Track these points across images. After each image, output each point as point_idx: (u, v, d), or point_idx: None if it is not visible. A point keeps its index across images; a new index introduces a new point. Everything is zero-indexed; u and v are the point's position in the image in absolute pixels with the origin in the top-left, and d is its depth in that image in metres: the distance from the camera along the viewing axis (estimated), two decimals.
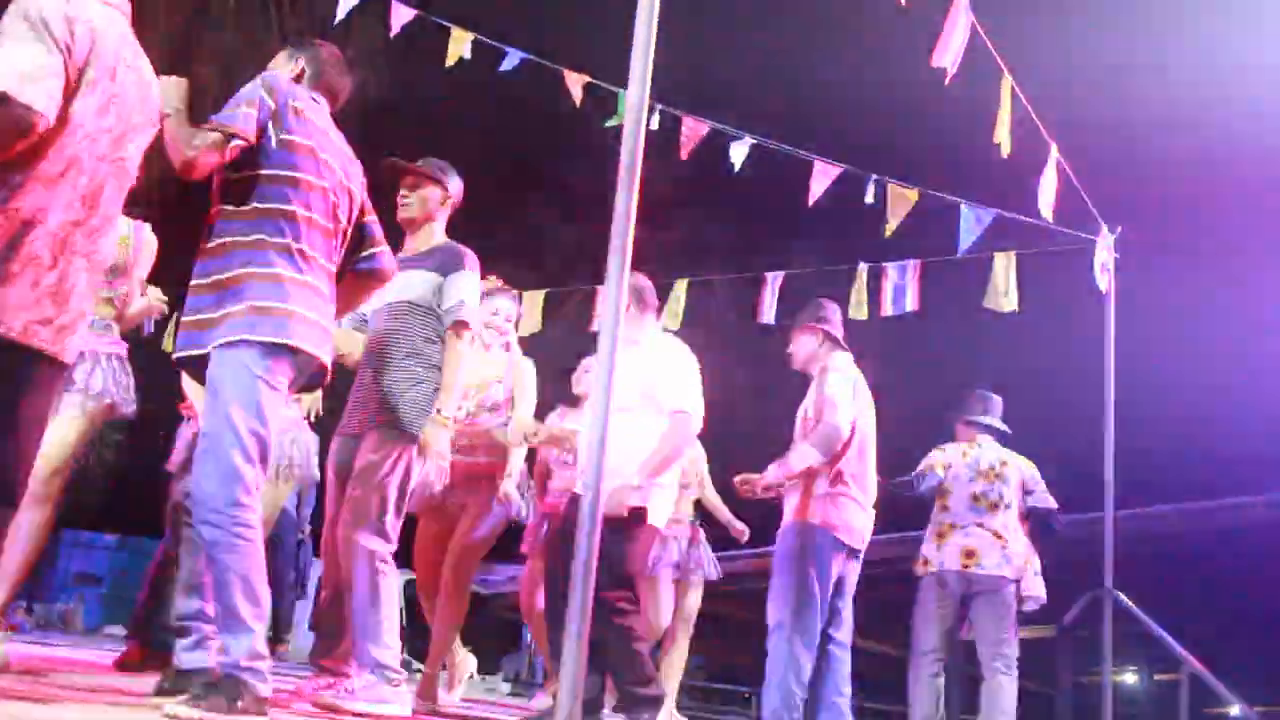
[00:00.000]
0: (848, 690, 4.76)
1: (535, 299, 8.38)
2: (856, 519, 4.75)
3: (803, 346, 5.04)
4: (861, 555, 4.86)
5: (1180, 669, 6.00)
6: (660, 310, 6.21)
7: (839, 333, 5.02)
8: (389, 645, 3.69)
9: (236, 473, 2.86)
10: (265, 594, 2.89)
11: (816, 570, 4.61)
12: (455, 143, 4.29)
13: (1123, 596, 5.95)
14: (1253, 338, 17.10)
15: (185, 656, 3.33)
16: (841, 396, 4.70)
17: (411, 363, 3.91)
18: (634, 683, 4.11)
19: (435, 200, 4.17)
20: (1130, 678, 18.77)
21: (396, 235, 4.19)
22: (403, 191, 4.18)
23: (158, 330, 6.81)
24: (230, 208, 3.02)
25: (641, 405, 4.25)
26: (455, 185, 4.25)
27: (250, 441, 2.89)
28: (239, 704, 2.71)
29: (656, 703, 4.12)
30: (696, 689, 17.35)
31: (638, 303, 4.52)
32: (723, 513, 6.36)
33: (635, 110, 2.75)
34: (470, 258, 4.06)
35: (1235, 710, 6.46)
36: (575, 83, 6.83)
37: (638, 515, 4.18)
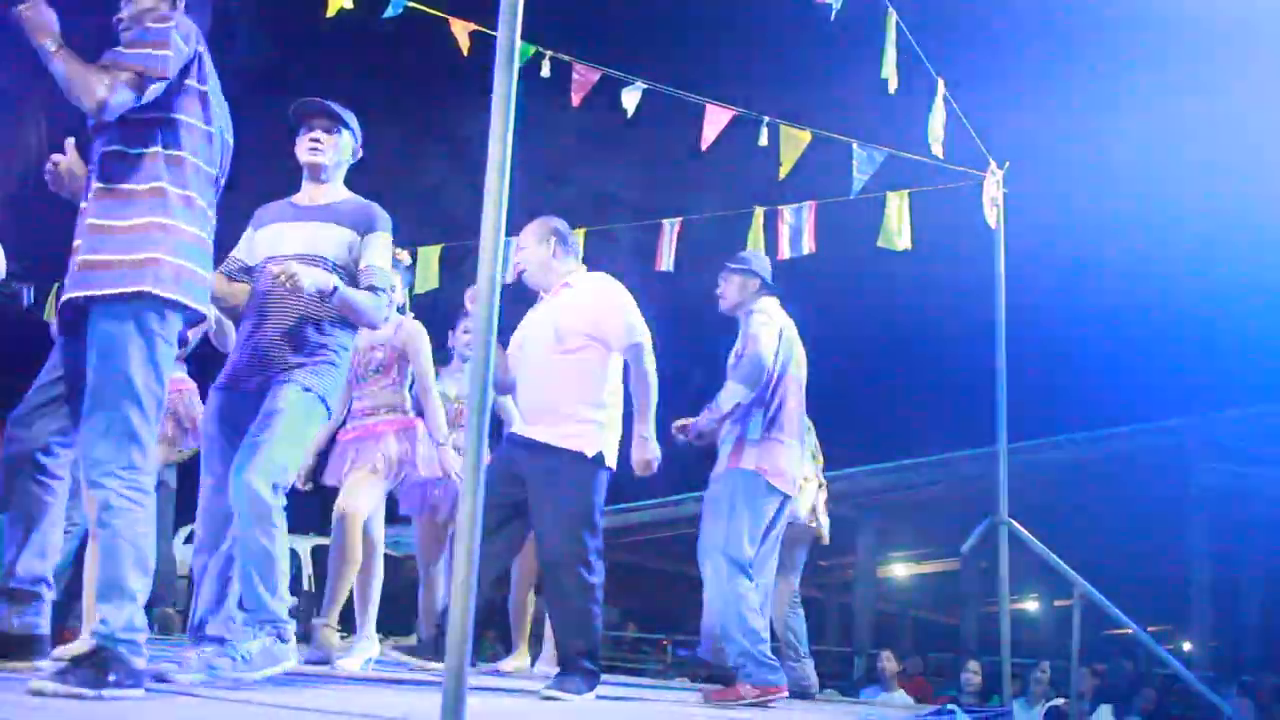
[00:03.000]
0: (767, 634, 4.77)
1: (430, 255, 8.22)
2: (790, 464, 4.78)
3: (732, 288, 5.04)
4: (791, 500, 4.89)
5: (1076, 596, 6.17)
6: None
7: (767, 274, 5.04)
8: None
9: (134, 434, 2.75)
10: (153, 563, 2.80)
11: (751, 514, 4.63)
12: (343, 95, 4.09)
13: (1016, 525, 6.08)
14: (1140, 269, 17.62)
15: (22, 621, 3.21)
16: (765, 333, 4.73)
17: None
18: (582, 652, 4.11)
19: (348, 149, 3.95)
20: (1032, 605, 19.41)
21: (287, 183, 4.03)
22: (316, 134, 3.89)
23: None
24: (127, 150, 2.92)
25: (586, 345, 4.27)
26: (360, 141, 4.04)
27: (149, 401, 2.78)
28: (112, 678, 2.60)
29: (595, 678, 4.14)
30: (623, 640, 17.54)
31: (561, 244, 4.51)
32: None
33: (506, 51, 2.66)
34: (386, 219, 3.87)
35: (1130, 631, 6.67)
36: (461, 30, 6.67)
37: (600, 460, 4.22)
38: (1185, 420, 11.48)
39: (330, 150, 3.88)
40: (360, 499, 5.02)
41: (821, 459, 6.20)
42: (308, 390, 3.57)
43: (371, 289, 3.71)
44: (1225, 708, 6.84)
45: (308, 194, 3.91)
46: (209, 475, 3.67)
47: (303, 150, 3.89)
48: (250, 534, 3.42)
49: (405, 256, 5.79)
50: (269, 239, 3.81)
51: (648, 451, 4.36)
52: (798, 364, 4.90)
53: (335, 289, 3.59)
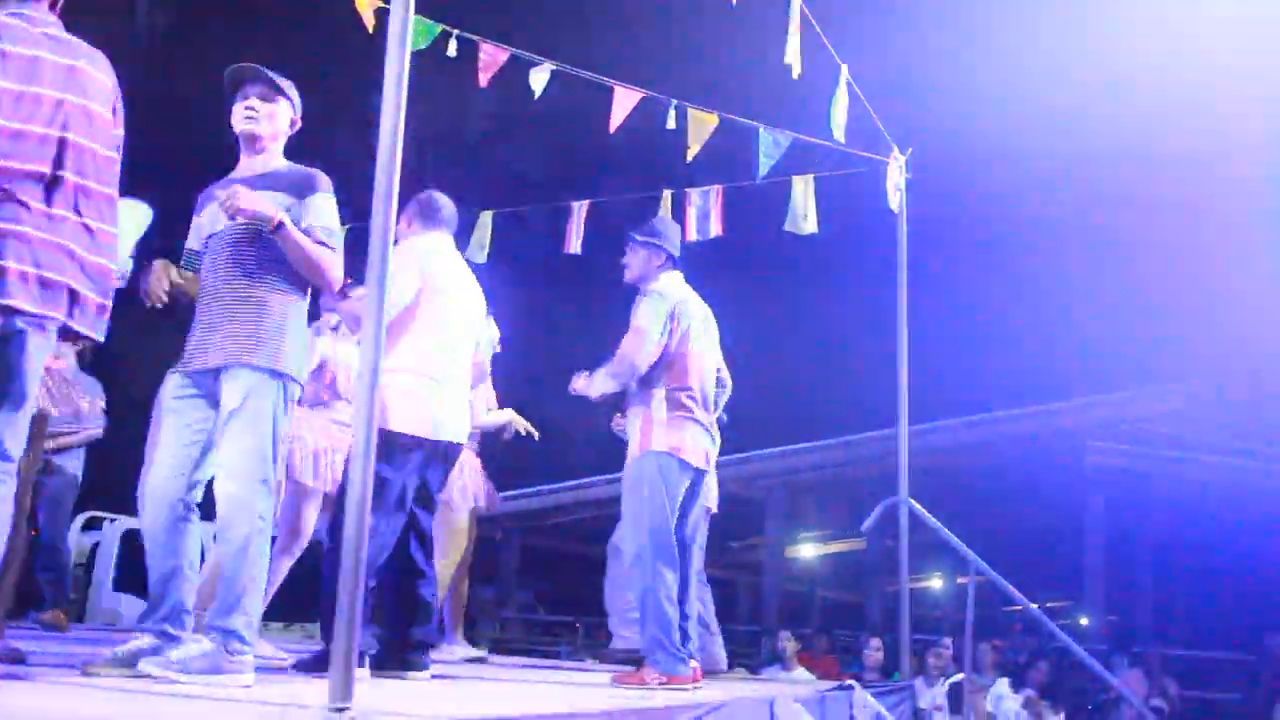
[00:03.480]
0: (691, 614, 4.79)
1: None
2: (700, 441, 4.76)
3: (636, 260, 4.97)
4: (706, 476, 4.89)
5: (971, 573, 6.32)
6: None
7: (674, 249, 4.97)
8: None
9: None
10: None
11: (667, 494, 4.62)
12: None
13: (916, 505, 6.20)
14: (1038, 252, 18.06)
15: None
16: (649, 326, 4.68)
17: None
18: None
19: (285, 119, 3.74)
20: (936, 583, 19.81)
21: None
22: (251, 101, 3.69)
23: None
24: None
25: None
26: (298, 102, 3.82)
27: None
28: None
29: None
30: (533, 622, 17.55)
31: (420, 218, 4.48)
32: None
33: (400, 24, 2.63)
34: (328, 181, 3.65)
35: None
36: (366, 6, 6.55)
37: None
38: (1080, 401, 11.81)
39: (265, 120, 3.70)
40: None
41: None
42: (259, 369, 3.41)
43: (322, 244, 3.50)
44: (1111, 679, 7.05)
45: (245, 165, 3.73)
46: (151, 456, 3.56)
47: (238, 119, 3.70)
48: (221, 540, 3.34)
49: None
50: (209, 218, 3.64)
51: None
52: (699, 338, 4.84)
53: (281, 224, 3.42)
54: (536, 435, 6.09)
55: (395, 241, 4.40)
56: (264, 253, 3.50)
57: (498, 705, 3.09)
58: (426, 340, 4.26)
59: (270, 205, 3.45)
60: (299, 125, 3.83)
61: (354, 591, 2.35)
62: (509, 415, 6.10)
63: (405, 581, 4.27)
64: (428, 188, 4.76)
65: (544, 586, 19.26)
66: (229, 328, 3.46)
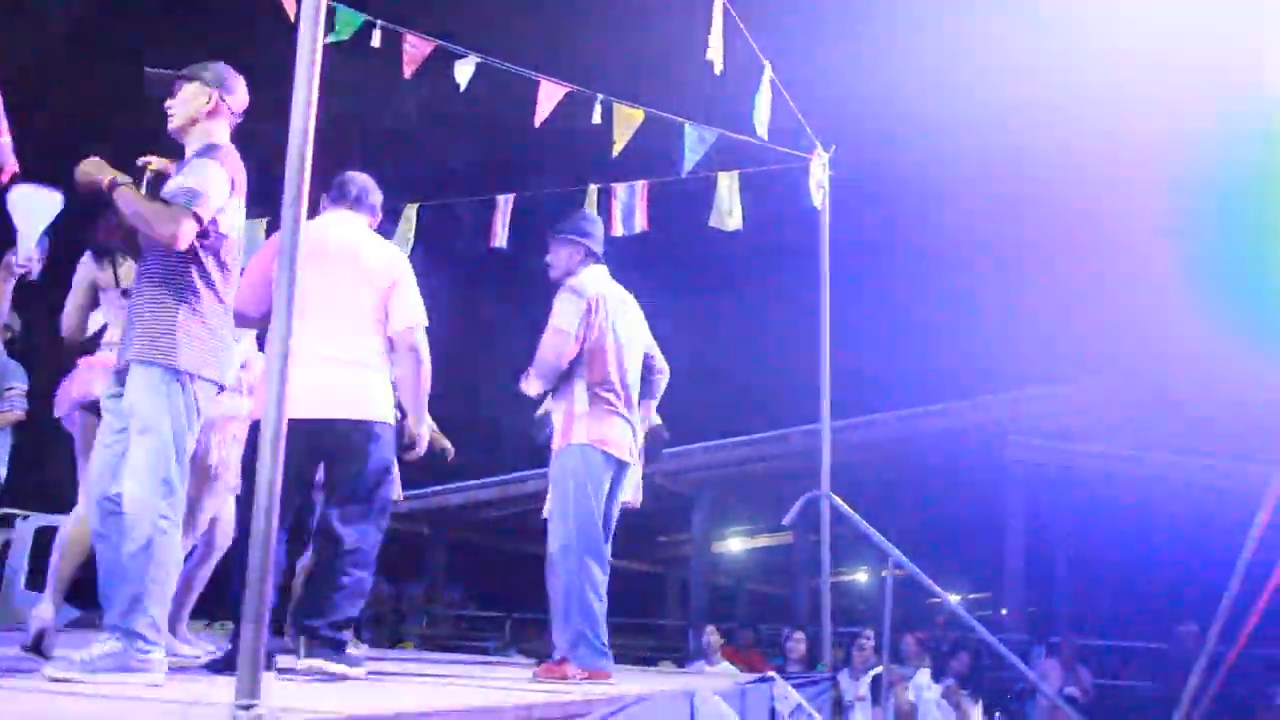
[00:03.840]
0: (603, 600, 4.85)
1: (257, 228, 7.97)
2: (622, 433, 4.78)
3: (557, 257, 4.98)
4: (629, 467, 4.90)
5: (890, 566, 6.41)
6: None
7: (596, 244, 4.98)
8: None
9: None
10: None
11: (592, 487, 4.64)
12: (169, 64, 3.88)
13: (837, 499, 6.28)
14: (959, 251, 18.34)
15: None
16: (564, 322, 4.70)
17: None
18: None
19: (194, 100, 3.65)
20: (862, 576, 20.06)
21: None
22: (169, 102, 3.67)
23: None
24: None
25: None
26: (229, 83, 3.73)
27: None
28: None
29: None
30: (462, 618, 17.46)
31: (328, 198, 4.42)
32: None
33: (310, 17, 2.59)
34: (217, 149, 3.57)
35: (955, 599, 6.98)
36: None
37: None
38: (1000, 397, 12.03)
39: (178, 112, 3.66)
40: None
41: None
42: (153, 366, 3.36)
43: (164, 201, 3.44)
44: (1026, 670, 7.20)
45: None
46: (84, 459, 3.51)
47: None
48: (125, 539, 3.28)
49: None
50: None
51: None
52: (620, 332, 4.85)
53: (116, 182, 3.40)
54: (451, 455, 5.84)
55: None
56: (155, 247, 3.47)
57: (410, 701, 3.07)
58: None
59: (102, 170, 3.42)
60: (235, 102, 3.75)
61: (260, 588, 2.32)
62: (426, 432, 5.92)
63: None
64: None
65: (473, 582, 19.18)
66: (132, 328, 3.44)
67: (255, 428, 3.97)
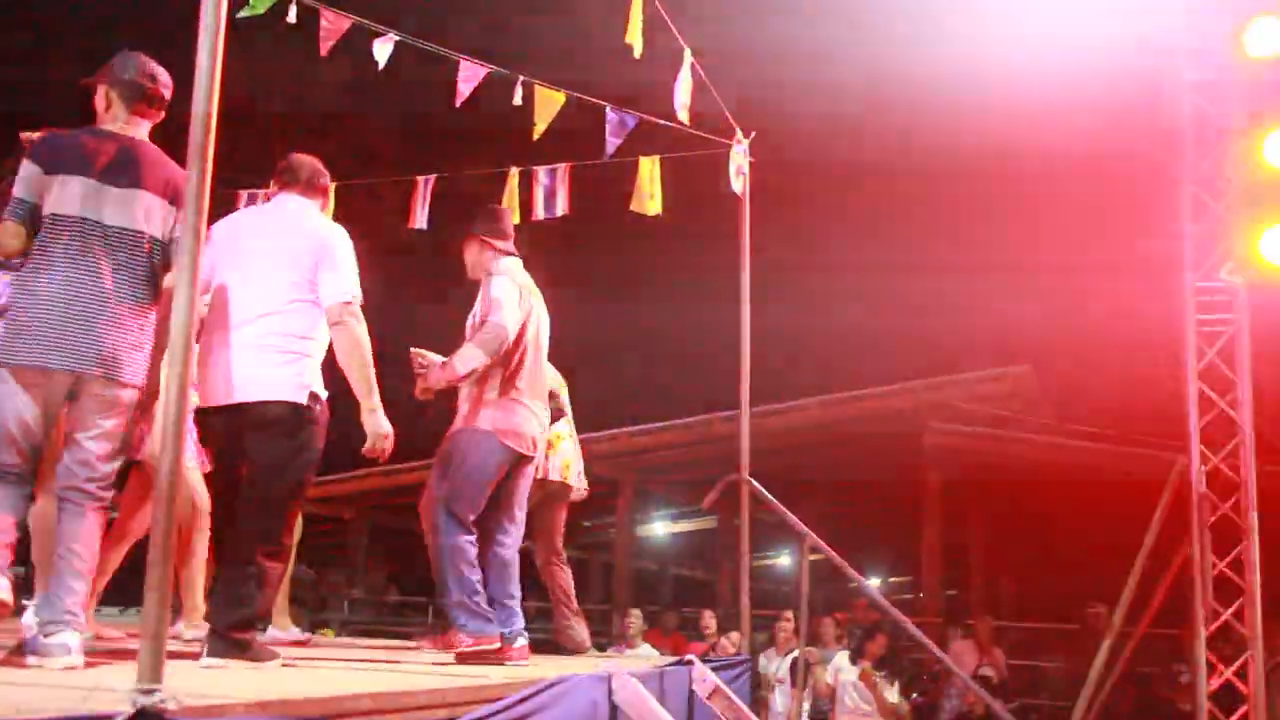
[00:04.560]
0: (518, 593, 4.89)
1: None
2: (527, 425, 4.80)
3: (470, 255, 5.05)
4: (535, 461, 4.96)
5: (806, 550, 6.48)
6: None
7: (505, 238, 5.03)
8: None
9: None
10: None
11: (480, 473, 4.67)
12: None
13: (755, 483, 6.33)
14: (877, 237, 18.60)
15: None
16: (507, 297, 4.72)
17: None
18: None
19: (102, 101, 3.72)
20: (785, 560, 20.31)
21: None
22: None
23: None
24: None
25: None
26: (131, 69, 3.73)
27: None
28: None
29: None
30: (383, 603, 17.30)
31: (278, 179, 4.36)
32: None
33: None
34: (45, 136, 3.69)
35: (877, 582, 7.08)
36: None
37: None
38: (917, 384, 12.21)
39: (100, 110, 3.72)
40: None
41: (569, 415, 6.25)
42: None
43: None
44: (938, 652, 7.35)
45: None
46: None
47: None
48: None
49: None
50: None
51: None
52: (537, 324, 4.94)
53: None
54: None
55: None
56: None
57: (322, 686, 3.04)
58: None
59: None
60: (145, 88, 3.73)
61: (163, 568, 2.28)
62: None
63: None
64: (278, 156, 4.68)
65: (396, 567, 19.01)
66: None
67: (204, 416, 4.14)
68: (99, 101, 3.73)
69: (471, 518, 4.67)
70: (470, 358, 4.64)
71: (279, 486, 4.02)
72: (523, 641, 4.76)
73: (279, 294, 4.09)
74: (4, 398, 3.43)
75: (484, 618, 4.59)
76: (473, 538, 4.68)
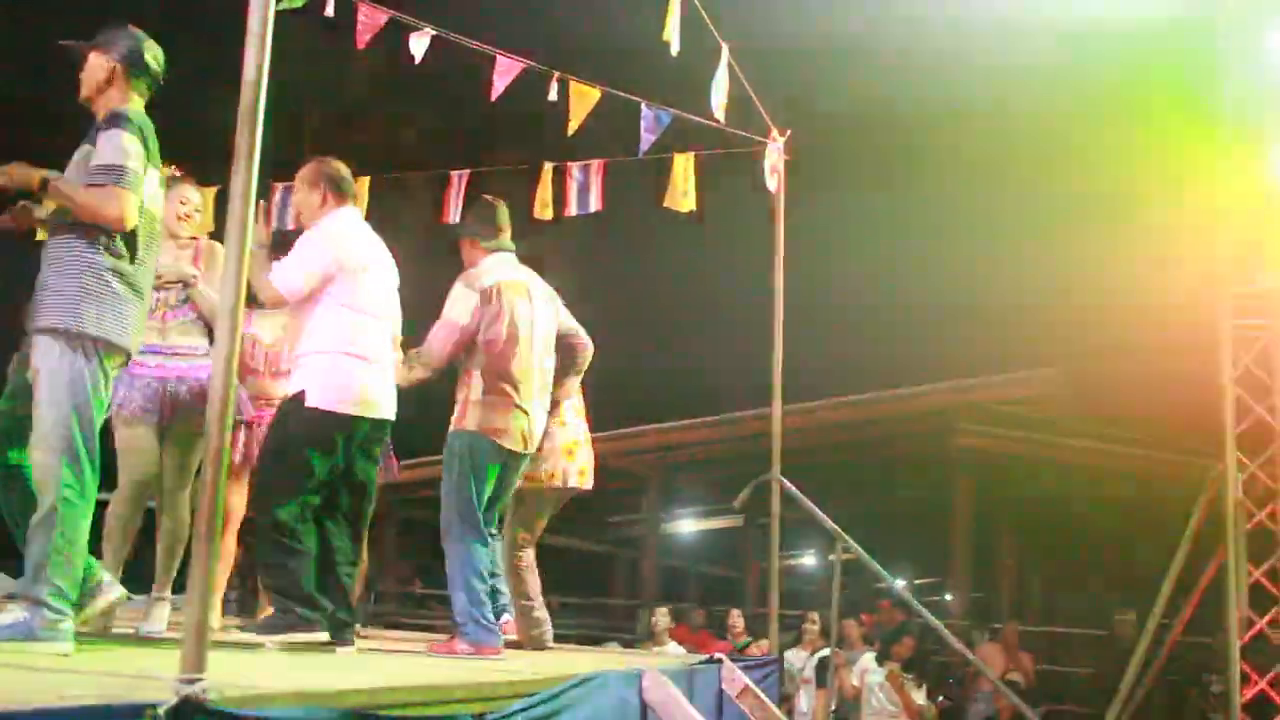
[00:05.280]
0: (500, 572, 5.14)
1: (208, 196, 7.85)
2: (517, 423, 4.83)
3: (464, 254, 5.09)
4: (529, 456, 4.99)
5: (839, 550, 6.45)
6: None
7: (493, 235, 5.05)
8: None
9: None
10: None
11: (476, 474, 4.74)
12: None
13: (787, 482, 6.31)
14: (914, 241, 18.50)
15: None
16: (453, 312, 4.83)
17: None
18: (273, 592, 4.26)
19: (102, 69, 3.61)
20: (810, 560, 20.22)
21: None
22: (80, 71, 3.66)
23: None
24: None
25: (324, 290, 4.27)
26: (129, 46, 3.67)
27: None
28: None
29: (291, 619, 4.11)
30: (407, 595, 17.40)
31: (333, 190, 4.45)
32: None
33: None
34: (126, 119, 3.51)
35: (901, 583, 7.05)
36: None
37: (301, 398, 4.31)
38: (949, 385, 12.15)
39: (85, 82, 3.64)
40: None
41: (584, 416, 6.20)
42: (56, 333, 3.34)
43: (93, 185, 3.42)
44: (969, 654, 7.31)
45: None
46: None
47: None
48: (36, 511, 3.29)
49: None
50: None
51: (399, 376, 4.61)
52: (524, 321, 4.91)
53: (44, 183, 3.41)
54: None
55: (299, 215, 4.47)
56: (61, 214, 3.48)
57: (357, 678, 3.06)
58: (347, 317, 4.32)
59: (28, 172, 3.43)
60: (118, 65, 3.66)
61: (207, 561, 2.29)
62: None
63: (325, 560, 4.30)
64: (314, 153, 4.73)
65: (422, 559, 19.10)
66: (40, 293, 3.43)
67: (285, 409, 4.36)
68: (98, 72, 3.63)
69: (477, 521, 4.73)
70: (412, 372, 4.89)
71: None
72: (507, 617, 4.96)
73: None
74: None
75: (486, 628, 4.65)
76: (481, 541, 4.75)
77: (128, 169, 3.43)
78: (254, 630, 4.19)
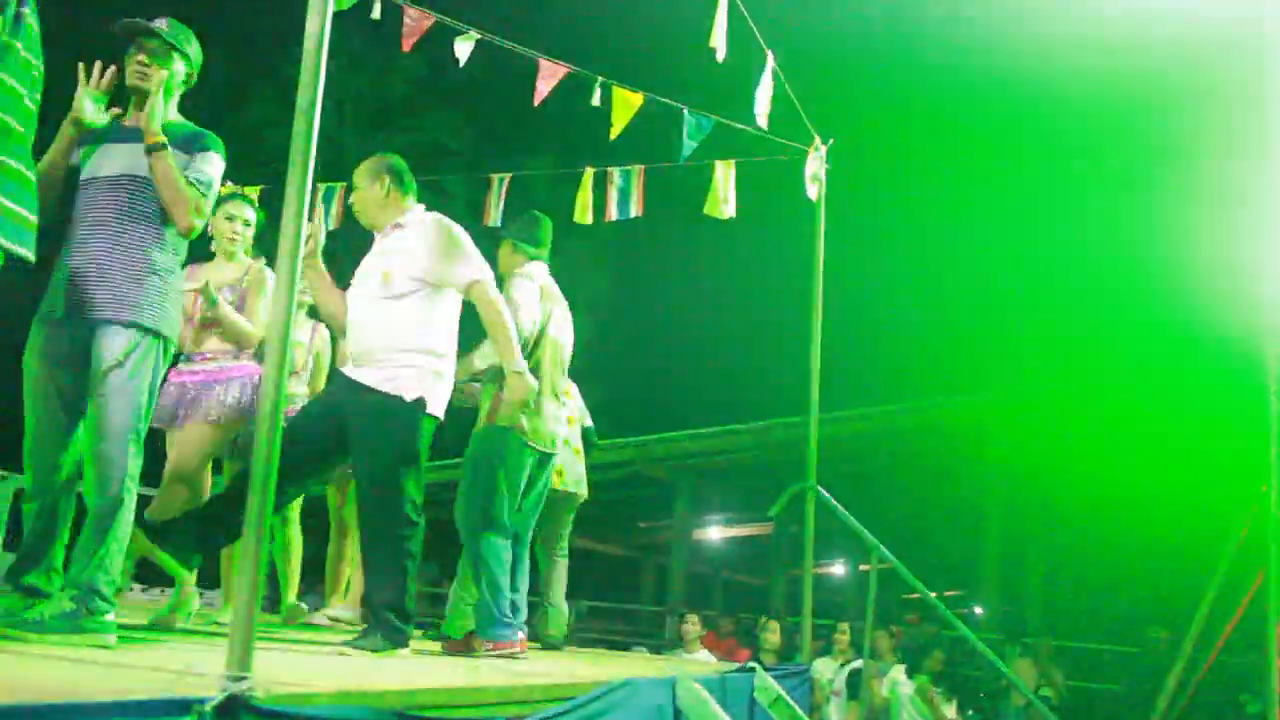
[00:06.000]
0: (523, 587, 5.02)
1: (250, 195, 7.92)
2: (547, 423, 4.86)
3: (502, 255, 5.14)
4: (555, 458, 5.03)
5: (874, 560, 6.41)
6: None
7: (536, 246, 5.11)
8: None
9: None
10: None
11: (505, 472, 4.72)
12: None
13: (823, 491, 6.28)
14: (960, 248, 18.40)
15: None
16: (524, 299, 4.82)
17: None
18: (387, 605, 4.10)
19: (179, 76, 3.71)
20: (839, 569, 20.13)
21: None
22: (143, 57, 3.64)
23: None
24: None
25: (415, 289, 4.19)
26: (196, 53, 3.77)
27: None
28: None
29: (400, 634, 4.06)
30: (437, 596, 17.42)
31: (396, 184, 4.41)
32: None
33: None
34: (219, 141, 3.68)
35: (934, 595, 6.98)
36: None
37: (421, 405, 4.17)
38: (982, 396, 12.07)
39: (157, 79, 3.63)
40: (194, 455, 4.71)
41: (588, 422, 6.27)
42: (133, 327, 3.39)
43: (191, 183, 3.53)
44: (1002, 668, 7.24)
45: (136, 116, 3.65)
46: (32, 415, 3.47)
47: (130, 72, 3.65)
48: (96, 501, 3.31)
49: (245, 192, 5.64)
50: (93, 157, 3.58)
51: (520, 388, 4.36)
52: (557, 325, 5.02)
53: (163, 144, 3.48)
54: None
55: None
56: (145, 206, 3.50)
57: (396, 678, 3.07)
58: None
59: (154, 121, 3.48)
60: (194, 80, 3.79)
61: (256, 559, 2.31)
62: None
63: None
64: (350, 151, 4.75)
65: (451, 560, 19.15)
66: (111, 283, 3.42)
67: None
68: (146, 57, 3.64)
69: (502, 518, 4.71)
70: (486, 355, 4.73)
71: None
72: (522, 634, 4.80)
73: None
74: None
75: (505, 624, 4.64)
76: (506, 540, 4.74)
77: (213, 196, 3.65)
78: (357, 646, 4.04)
